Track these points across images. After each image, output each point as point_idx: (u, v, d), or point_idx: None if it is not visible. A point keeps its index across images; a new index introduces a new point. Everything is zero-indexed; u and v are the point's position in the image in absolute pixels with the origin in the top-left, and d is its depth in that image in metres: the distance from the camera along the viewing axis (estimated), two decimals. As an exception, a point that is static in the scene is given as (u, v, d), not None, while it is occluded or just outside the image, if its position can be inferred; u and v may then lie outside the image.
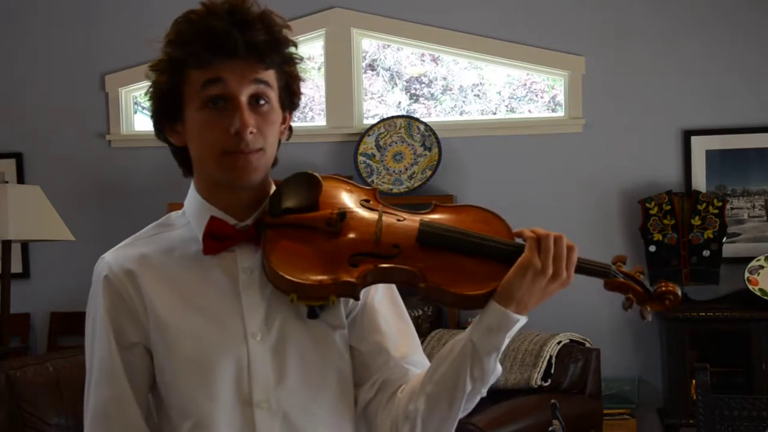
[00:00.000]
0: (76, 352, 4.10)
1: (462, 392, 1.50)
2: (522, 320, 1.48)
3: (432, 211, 1.59)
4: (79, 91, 5.44)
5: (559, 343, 4.38)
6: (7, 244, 4.64)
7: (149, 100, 1.57)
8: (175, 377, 1.51)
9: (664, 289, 1.57)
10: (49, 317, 5.37)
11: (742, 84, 4.94)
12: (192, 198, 1.59)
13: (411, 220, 1.55)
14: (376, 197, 1.60)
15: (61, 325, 5.31)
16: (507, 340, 1.49)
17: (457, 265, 1.51)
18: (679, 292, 1.59)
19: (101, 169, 5.40)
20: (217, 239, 1.53)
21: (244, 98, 1.48)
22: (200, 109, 1.49)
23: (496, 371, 1.51)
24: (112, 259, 1.56)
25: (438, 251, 1.51)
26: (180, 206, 1.63)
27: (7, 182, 5.07)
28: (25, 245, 5.41)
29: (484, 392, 1.53)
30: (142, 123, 5.54)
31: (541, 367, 4.26)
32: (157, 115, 1.56)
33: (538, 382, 4.24)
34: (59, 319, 5.32)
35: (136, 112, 5.54)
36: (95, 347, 1.54)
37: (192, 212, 1.58)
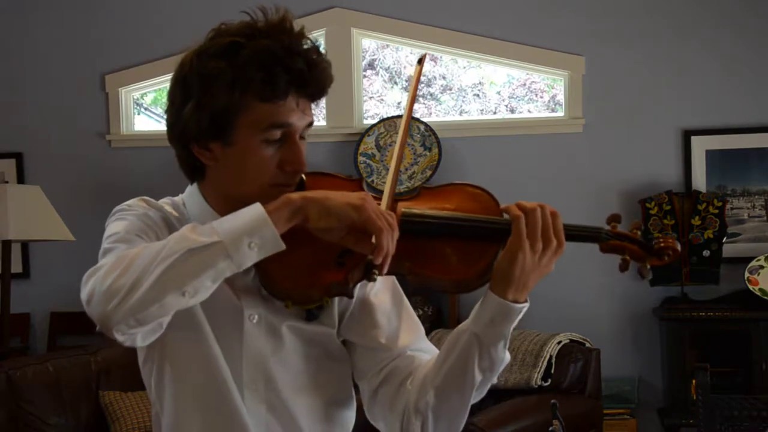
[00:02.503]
0: (76, 352, 4.11)
1: (471, 384, 1.49)
2: (523, 308, 1.47)
3: (417, 197, 1.55)
4: (79, 91, 5.43)
5: (559, 343, 4.38)
6: (7, 244, 4.64)
7: (182, 101, 1.47)
8: (173, 342, 1.50)
9: (663, 244, 1.51)
10: (49, 317, 5.37)
11: (742, 84, 4.94)
12: (197, 201, 1.57)
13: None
14: (361, 188, 1.56)
15: (61, 325, 5.31)
16: (512, 328, 1.48)
17: (445, 249, 1.48)
18: (678, 247, 1.51)
19: (101, 169, 5.40)
20: None
21: (298, 136, 1.50)
22: (258, 145, 1.47)
23: (504, 359, 1.50)
24: (147, 201, 1.56)
25: (423, 238, 1.48)
26: None
27: (7, 182, 5.07)
28: (25, 245, 5.41)
29: (494, 379, 1.52)
30: (142, 123, 5.54)
31: (541, 367, 4.26)
32: (195, 129, 1.47)
33: (538, 382, 4.25)
34: (59, 319, 5.32)
35: (137, 113, 5.54)
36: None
37: (196, 216, 1.55)
